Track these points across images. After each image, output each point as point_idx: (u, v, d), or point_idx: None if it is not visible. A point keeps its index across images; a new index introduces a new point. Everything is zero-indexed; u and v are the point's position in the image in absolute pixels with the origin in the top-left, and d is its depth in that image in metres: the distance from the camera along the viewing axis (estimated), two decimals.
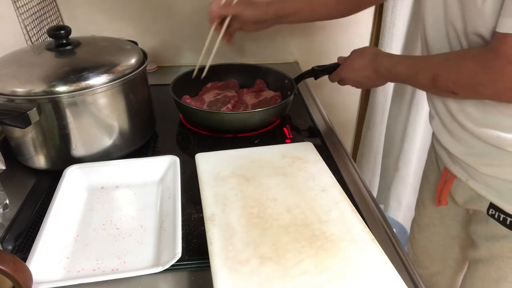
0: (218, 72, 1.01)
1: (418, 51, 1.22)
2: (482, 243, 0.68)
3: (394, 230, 0.63)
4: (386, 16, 1.18)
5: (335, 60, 0.86)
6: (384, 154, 1.46)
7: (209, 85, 1.00)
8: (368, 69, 0.74)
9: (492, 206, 0.63)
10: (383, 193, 1.53)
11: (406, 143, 1.34)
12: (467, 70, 0.54)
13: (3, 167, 0.59)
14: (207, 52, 0.87)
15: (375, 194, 1.55)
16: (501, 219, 0.62)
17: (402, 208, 1.50)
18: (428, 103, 0.72)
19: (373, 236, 0.52)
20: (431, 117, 0.72)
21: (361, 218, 0.55)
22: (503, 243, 0.64)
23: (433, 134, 0.75)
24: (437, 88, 0.61)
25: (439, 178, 0.77)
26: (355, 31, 1.27)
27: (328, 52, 1.28)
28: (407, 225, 1.46)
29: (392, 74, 0.70)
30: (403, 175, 1.41)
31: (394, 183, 1.45)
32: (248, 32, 0.87)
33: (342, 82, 0.83)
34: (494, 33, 0.51)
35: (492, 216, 0.64)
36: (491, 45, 0.51)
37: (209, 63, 0.88)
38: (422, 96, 1.24)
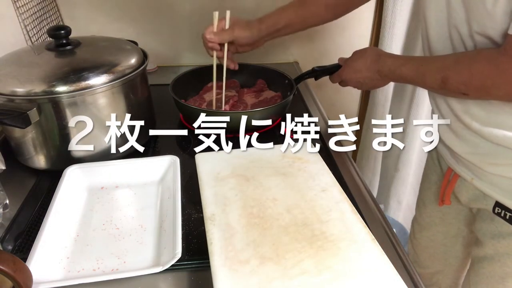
0: (220, 72, 1.01)
1: (418, 51, 1.22)
2: (488, 241, 0.68)
3: (394, 230, 0.63)
4: (386, 16, 1.18)
5: (335, 60, 0.86)
6: (384, 154, 1.46)
7: (210, 84, 1.00)
8: (370, 70, 0.73)
9: (498, 204, 0.63)
10: (383, 193, 1.53)
11: (406, 143, 1.34)
12: (479, 72, 0.54)
13: (3, 167, 0.59)
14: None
15: (375, 194, 1.55)
16: (507, 217, 0.62)
17: (402, 208, 1.50)
18: (431, 103, 0.71)
19: (373, 236, 0.52)
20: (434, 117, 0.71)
21: (361, 218, 0.55)
22: (509, 241, 0.64)
23: None
24: (447, 90, 0.60)
25: (441, 178, 0.77)
26: (355, 31, 1.27)
27: (328, 52, 1.28)
28: (407, 225, 1.46)
29: (396, 76, 0.69)
30: (403, 175, 1.41)
31: (394, 183, 1.45)
32: (244, 52, 0.88)
33: (343, 83, 0.82)
34: (507, 36, 0.50)
35: (498, 214, 0.63)
36: (504, 47, 0.51)
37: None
38: (422, 96, 1.24)
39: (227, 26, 0.81)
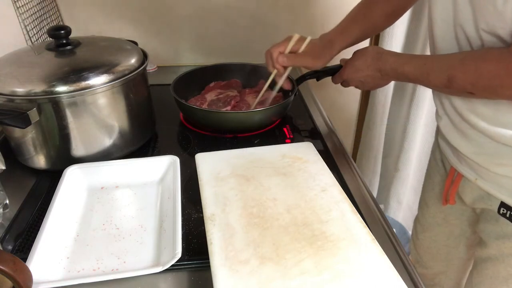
0: (222, 72, 1.01)
1: (418, 51, 1.22)
2: (492, 242, 0.67)
3: (394, 230, 0.63)
4: None
5: (333, 61, 0.86)
6: (384, 154, 1.46)
7: (212, 84, 1.00)
8: (371, 68, 0.73)
9: (503, 205, 0.63)
10: (383, 193, 1.53)
11: (406, 143, 1.34)
12: (487, 72, 0.53)
13: (3, 167, 0.59)
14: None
15: (375, 194, 1.55)
16: None
17: (402, 208, 1.50)
18: (435, 102, 0.71)
19: (373, 236, 0.52)
20: (438, 117, 0.70)
21: (361, 218, 0.55)
22: None
23: (439, 134, 0.75)
24: (452, 89, 0.59)
25: (444, 178, 0.77)
26: None
27: None
28: (407, 225, 1.47)
29: (399, 74, 0.68)
30: (403, 175, 1.41)
31: (394, 183, 1.45)
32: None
33: (345, 83, 0.82)
34: None
35: (503, 215, 0.63)
36: None
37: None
38: (422, 96, 1.24)
39: (301, 50, 0.78)
